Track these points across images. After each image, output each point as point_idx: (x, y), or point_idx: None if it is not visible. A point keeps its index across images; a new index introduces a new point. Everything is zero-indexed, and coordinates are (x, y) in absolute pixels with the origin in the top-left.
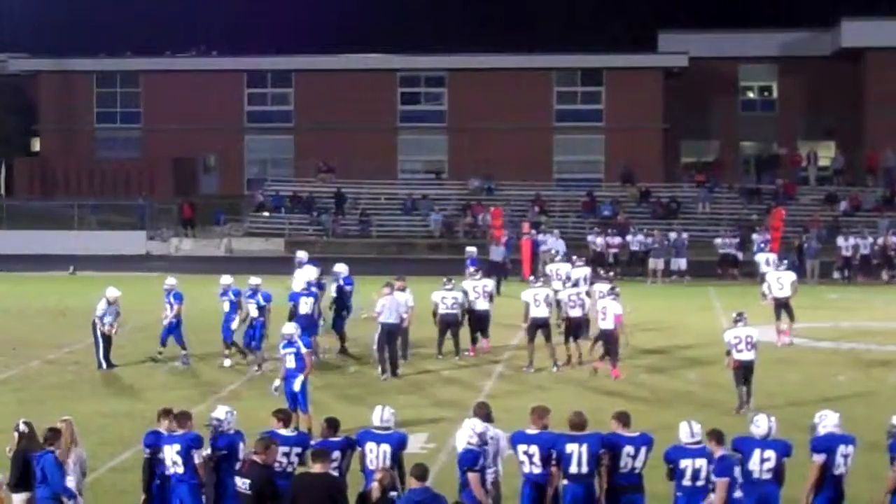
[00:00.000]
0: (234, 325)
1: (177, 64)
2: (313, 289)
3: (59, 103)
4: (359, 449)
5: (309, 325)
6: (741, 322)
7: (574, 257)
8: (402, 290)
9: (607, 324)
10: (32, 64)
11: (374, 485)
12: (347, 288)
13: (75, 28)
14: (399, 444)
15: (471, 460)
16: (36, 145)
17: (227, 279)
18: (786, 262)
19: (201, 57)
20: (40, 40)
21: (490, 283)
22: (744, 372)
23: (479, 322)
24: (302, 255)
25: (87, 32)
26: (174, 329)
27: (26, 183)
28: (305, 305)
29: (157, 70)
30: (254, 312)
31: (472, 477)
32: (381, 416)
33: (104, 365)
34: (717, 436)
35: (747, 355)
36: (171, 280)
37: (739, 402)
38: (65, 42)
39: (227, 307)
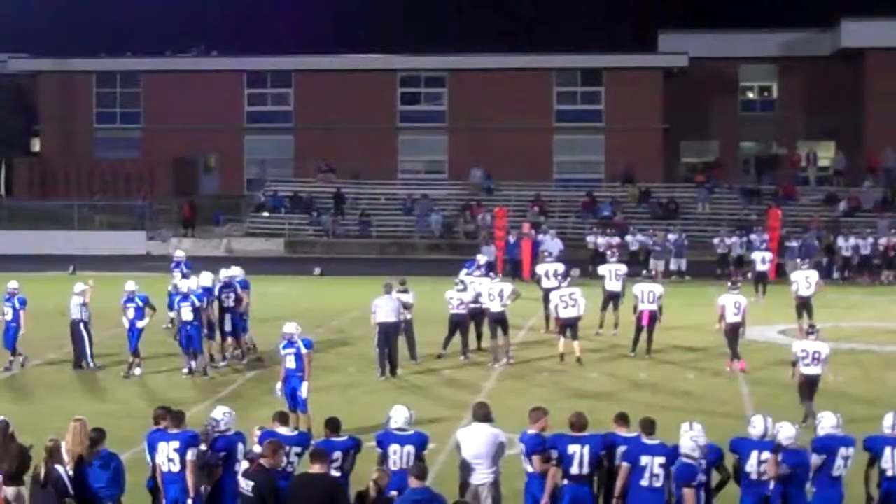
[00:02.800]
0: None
1: (177, 64)
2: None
3: (59, 103)
4: (379, 451)
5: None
6: (812, 335)
7: (608, 252)
8: (405, 291)
9: (738, 317)
10: (32, 64)
11: (371, 484)
12: (242, 292)
13: (75, 28)
14: (422, 445)
15: (689, 475)
16: (36, 145)
17: (131, 285)
18: (808, 260)
19: (201, 57)
20: (40, 40)
21: (508, 288)
22: (809, 387)
23: (498, 324)
24: (180, 255)
25: (87, 32)
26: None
27: (26, 183)
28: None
29: (157, 70)
30: (187, 316)
31: (688, 493)
32: (405, 418)
33: (91, 363)
34: (623, 420)
35: (813, 370)
36: (13, 283)
37: (805, 415)
38: (65, 42)
39: (132, 314)
